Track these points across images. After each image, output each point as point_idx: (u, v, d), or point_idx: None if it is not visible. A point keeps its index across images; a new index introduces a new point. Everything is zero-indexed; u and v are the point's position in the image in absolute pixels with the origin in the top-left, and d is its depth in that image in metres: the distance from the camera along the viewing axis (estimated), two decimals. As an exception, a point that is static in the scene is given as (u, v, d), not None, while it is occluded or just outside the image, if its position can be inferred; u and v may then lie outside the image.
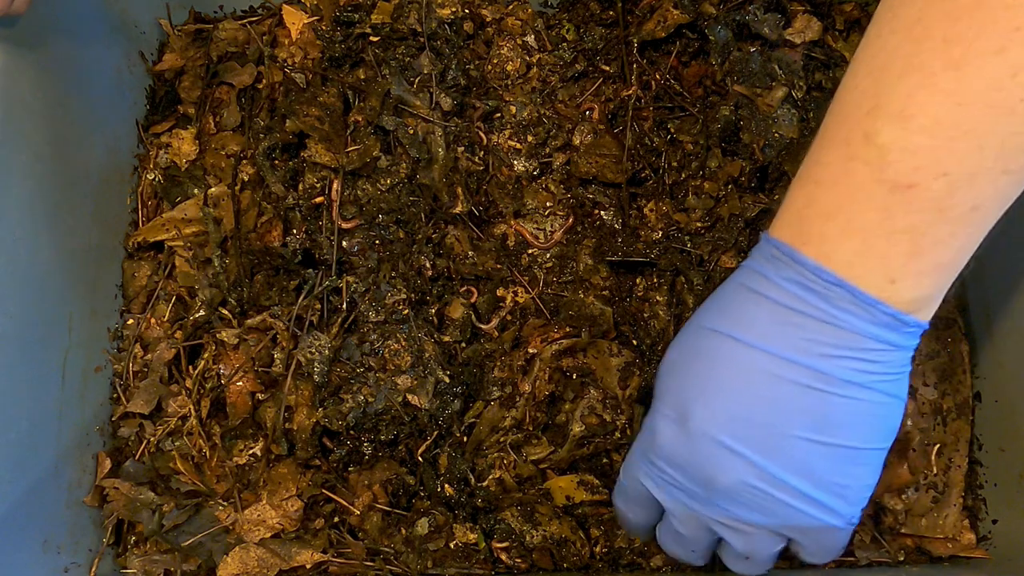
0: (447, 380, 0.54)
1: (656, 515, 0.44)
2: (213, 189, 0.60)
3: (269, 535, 0.55)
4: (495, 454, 0.56)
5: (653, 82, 0.61)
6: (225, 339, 0.57)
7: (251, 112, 0.62)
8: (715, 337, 0.40)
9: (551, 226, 0.61)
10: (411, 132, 0.58)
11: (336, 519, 0.56)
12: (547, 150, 0.61)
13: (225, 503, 0.56)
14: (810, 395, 0.37)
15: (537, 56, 0.63)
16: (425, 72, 0.59)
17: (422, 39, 0.60)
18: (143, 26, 0.64)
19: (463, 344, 0.57)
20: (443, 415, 0.54)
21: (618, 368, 0.56)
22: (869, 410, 0.37)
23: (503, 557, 0.55)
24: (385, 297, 0.55)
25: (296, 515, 0.55)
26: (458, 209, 0.58)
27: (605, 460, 0.56)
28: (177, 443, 0.57)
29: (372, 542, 0.55)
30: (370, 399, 0.53)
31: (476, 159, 0.59)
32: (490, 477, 0.56)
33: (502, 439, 0.56)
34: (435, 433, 0.55)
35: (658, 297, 0.58)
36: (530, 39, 0.63)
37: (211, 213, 0.59)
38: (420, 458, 0.55)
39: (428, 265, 0.57)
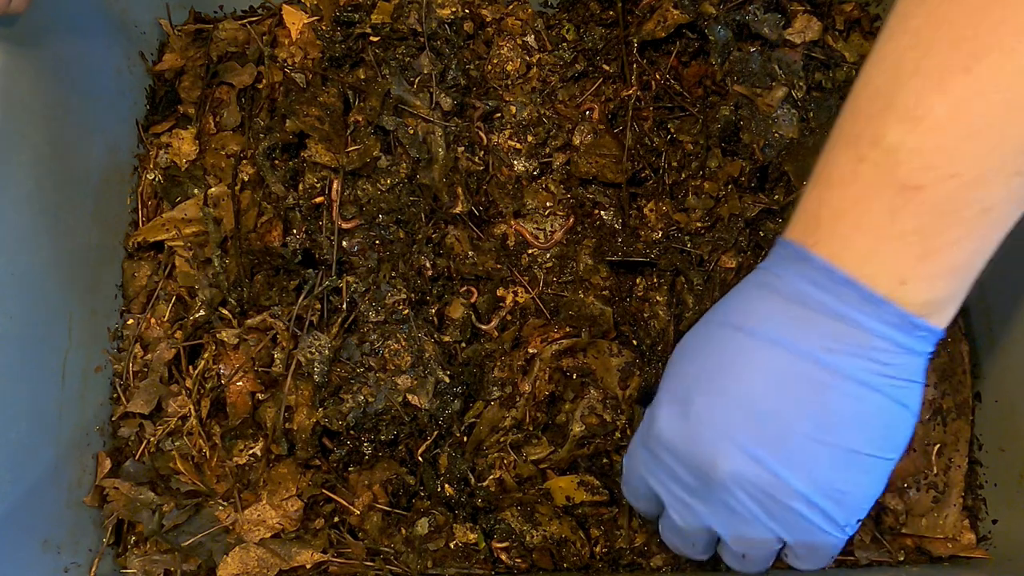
0: (447, 380, 0.54)
1: (660, 506, 0.44)
2: (213, 189, 0.60)
3: (269, 535, 0.55)
4: (495, 454, 0.56)
5: (653, 82, 0.61)
6: (225, 339, 0.57)
7: (251, 112, 0.62)
8: (724, 330, 0.39)
9: (551, 226, 0.61)
10: (411, 132, 0.58)
11: (336, 519, 0.56)
12: (547, 150, 0.61)
13: (225, 503, 0.56)
14: (815, 390, 0.37)
15: (537, 56, 0.63)
16: (425, 72, 0.59)
17: (422, 39, 0.60)
18: (143, 26, 0.64)
19: (463, 344, 0.57)
20: (443, 415, 0.54)
21: (618, 368, 0.56)
22: (875, 413, 0.37)
23: (503, 557, 0.55)
24: (385, 297, 0.55)
25: (296, 515, 0.55)
26: (458, 209, 0.58)
27: (605, 460, 0.56)
28: (177, 443, 0.57)
29: (372, 542, 0.55)
30: (370, 399, 0.53)
31: (476, 159, 0.59)
32: (490, 477, 0.56)
33: (502, 439, 0.56)
34: (435, 433, 0.55)
35: (658, 297, 0.58)
36: (530, 39, 0.63)
37: (211, 213, 0.59)
38: (420, 458, 0.55)
39: (428, 265, 0.57)
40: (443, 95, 0.59)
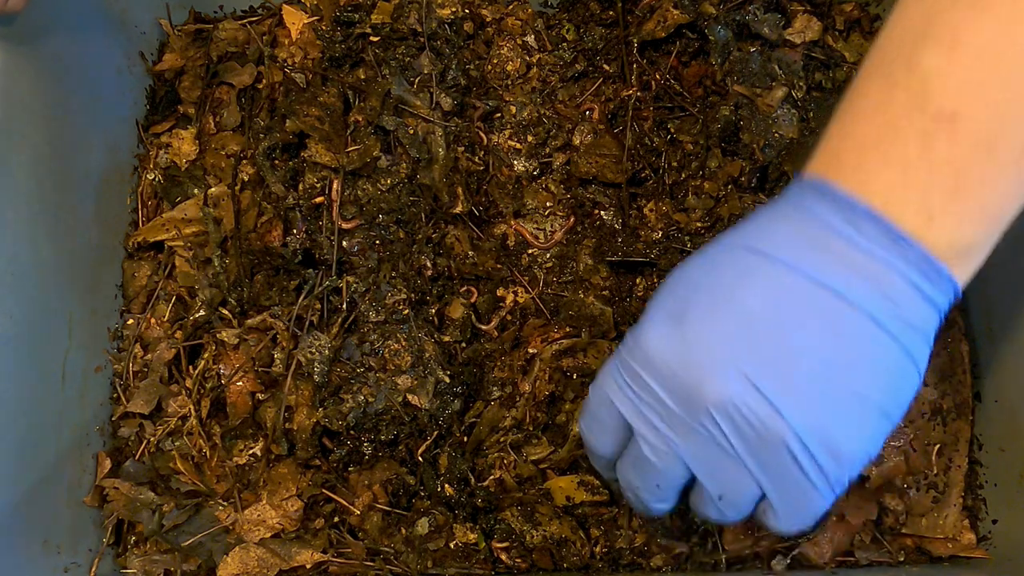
0: (447, 380, 0.54)
1: (620, 443, 0.39)
2: (213, 189, 0.60)
3: (269, 535, 0.55)
4: (495, 454, 0.56)
5: (653, 82, 0.61)
6: (225, 339, 0.57)
7: (251, 112, 0.62)
8: (734, 251, 0.36)
9: (551, 226, 0.61)
10: (411, 132, 0.58)
11: (336, 519, 0.55)
12: (547, 150, 0.61)
13: (225, 503, 0.56)
14: (828, 321, 0.33)
15: (537, 56, 0.63)
16: (425, 72, 0.59)
17: (422, 39, 0.60)
18: (143, 26, 0.64)
19: (463, 344, 0.57)
20: (443, 415, 0.54)
21: (618, 368, 0.56)
22: (883, 359, 0.34)
23: (503, 557, 0.55)
24: (385, 297, 0.55)
25: (296, 515, 0.55)
26: (458, 209, 0.58)
27: (605, 460, 0.56)
28: (177, 443, 0.57)
29: (372, 542, 0.55)
30: (370, 399, 0.53)
31: (476, 159, 0.59)
32: (490, 477, 0.56)
33: (502, 439, 0.56)
34: (435, 433, 0.55)
35: (658, 297, 0.58)
36: (530, 39, 0.63)
37: (211, 213, 0.59)
38: (420, 458, 0.55)
39: (428, 265, 0.57)
40: (443, 95, 0.59)
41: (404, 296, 0.55)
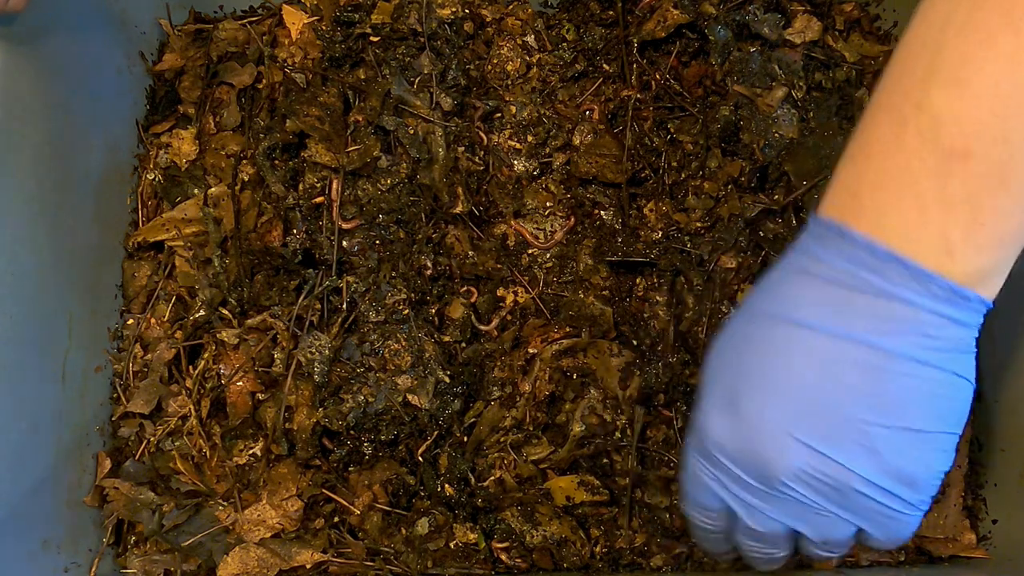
0: (447, 380, 0.54)
1: (727, 520, 0.42)
2: (213, 189, 0.60)
3: (269, 535, 0.55)
4: (495, 454, 0.56)
5: (653, 82, 0.61)
6: (225, 339, 0.57)
7: (251, 112, 0.62)
8: (765, 321, 0.38)
9: (551, 226, 0.61)
10: (411, 132, 0.58)
11: (336, 519, 0.56)
12: (547, 150, 0.61)
13: (225, 503, 0.56)
14: (868, 374, 0.35)
15: (537, 56, 0.63)
16: (425, 72, 0.59)
17: (422, 39, 0.60)
18: (143, 26, 0.64)
19: (463, 344, 0.57)
20: (443, 415, 0.54)
21: (618, 368, 0.56)
22: (932, 389, 0.35)
23: (503, 557, 0.55)
24: (385, 297, 0.55)
25: (296, 515, 0.55)
26: (458, 209, 0.58)
27: (605, 460, 0.56)
28: (177, 443, 0.57)
29: (372, 542, 0.55)
30: (370, 399, 0.53)
31: (476, 159, 0.59)
32: (490, 477, 0.56)
33: (502, 439, 0.56)
34: (435, 433, 0.55)
35: (658, 297, 0.58)
36: (530, 39, 0.63)
37: (211, 213, 0.59)
38: (420, 458, 0.55)
39: (428, 265, 0.57)
40: (443, 95, 0.59)
41: (404, 296, 0.55)
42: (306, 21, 0.63)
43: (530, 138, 0.61)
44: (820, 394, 0.36)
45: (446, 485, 0.55)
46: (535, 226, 0.61)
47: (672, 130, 0.60)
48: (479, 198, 0.60)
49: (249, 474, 0.56)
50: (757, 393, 0.37)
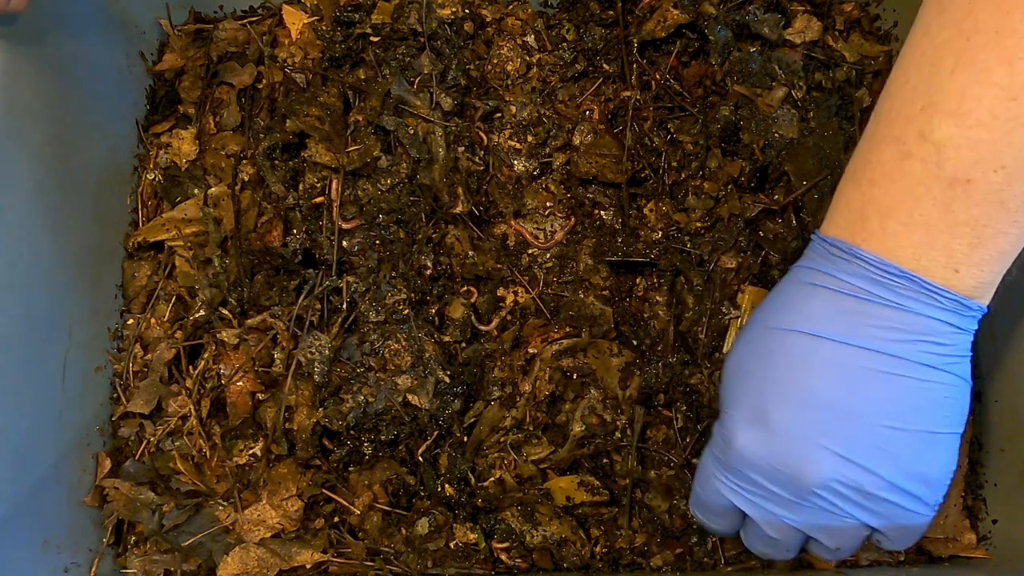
0: (447, 380, 0.54)
1: (739, 522, 0.44)
2: (213, 189, 0.60)
3: (269, 535, 0.55)
4: (495, 454, 0.56)
5: (653, 82, 0.61)
6: (225, 339, 0.57)
7: (251, 112, 0.62)
8: (783, 335, 0.40)
9: (551, 226, 0.61)
10: (411, 132, 0.58)
11: (336, 519, 0.56)
12: (547, 150, 0.61)
13: (225, 503, 0.56)
14: (888, 381, 0.38)
15: (537, 56, 0.63)
16: (425, 72, 0.59)
17: (422, 39, 0.60)
18: (143, 26, 0.64)
19: (463, 344, 0.57)
20: (443, 415, 0.54)
21: (618, 368, 0.56)
22: (944, 393, 0.38)
23: (503, 557, 0.55)
24: (385, 297, 0.55)
25: (296, 515, 0.55)
26: (458, 209, 0.58)
27: (605, 460, 0.56)
28: (177, 443, 0.57)
29: (372, 542, 0.55)
30: (370, 399, 0.53)
31: (476, 159, 0.59)
32: (490, 477, 0.56)
33: (502, 439, 0.56)
34: (435, 433, 0.55)
35: (658, 297, 0.58)
36: (530, 39, 0.63)
37: (211, 213, 0.59)
38: (420, 458, 0.55)
39: (428, 265, 0.57)
40: (443, 95, 0.59)
41: (404, 296, 0.55)
42: (306, 21, 0.63)
43: (530, 138, 0.61)
44: (844, 403, 0.38)
45: (446, 485, 0.55)
46: (535, 226, 0.61)
47: (672, 130, 0.60)
48: (479, 198, 0.60)
49: (249, 474, 0.56)
50: (784, 406, 0.39)
